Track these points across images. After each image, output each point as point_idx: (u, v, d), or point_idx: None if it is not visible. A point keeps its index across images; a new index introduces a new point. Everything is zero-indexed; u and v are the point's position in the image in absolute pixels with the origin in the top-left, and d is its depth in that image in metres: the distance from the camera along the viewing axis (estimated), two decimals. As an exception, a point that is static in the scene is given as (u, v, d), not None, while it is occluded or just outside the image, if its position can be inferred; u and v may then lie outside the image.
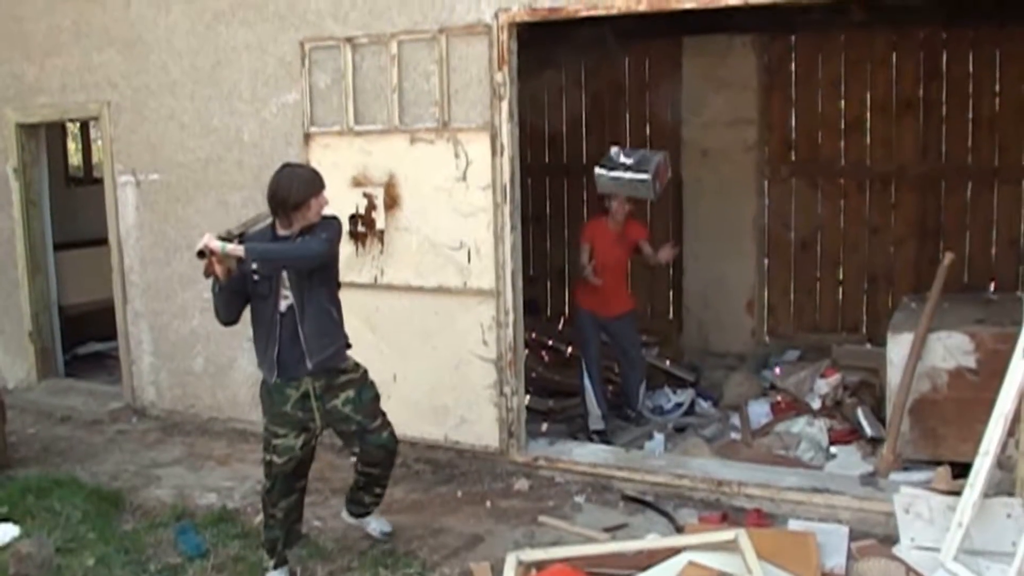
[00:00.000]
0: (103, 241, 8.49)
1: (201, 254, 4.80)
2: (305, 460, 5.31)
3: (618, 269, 7.86)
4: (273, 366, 5.11)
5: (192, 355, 8.06)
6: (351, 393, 5.25)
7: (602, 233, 7.73)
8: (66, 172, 11.41)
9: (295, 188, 4.98)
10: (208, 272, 4.90)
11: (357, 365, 5.35)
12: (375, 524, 5.79)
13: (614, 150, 7.35)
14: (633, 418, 7.81)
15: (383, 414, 5.40)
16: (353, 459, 5.75)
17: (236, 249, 4.82)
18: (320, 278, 5.11)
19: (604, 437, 7.55)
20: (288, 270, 5.03)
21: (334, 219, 5.22)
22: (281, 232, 5.07)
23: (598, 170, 7.28)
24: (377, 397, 5.39)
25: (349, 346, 5.34)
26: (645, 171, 7.13)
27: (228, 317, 5.16)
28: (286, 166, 5.19)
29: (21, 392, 8.96)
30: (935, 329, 6.24)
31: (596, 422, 7.65)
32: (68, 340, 9.54)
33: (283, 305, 5.09)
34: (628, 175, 7.16)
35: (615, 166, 7.23)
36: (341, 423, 5.29)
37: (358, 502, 5.72)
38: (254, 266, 4.88)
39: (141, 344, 8.33)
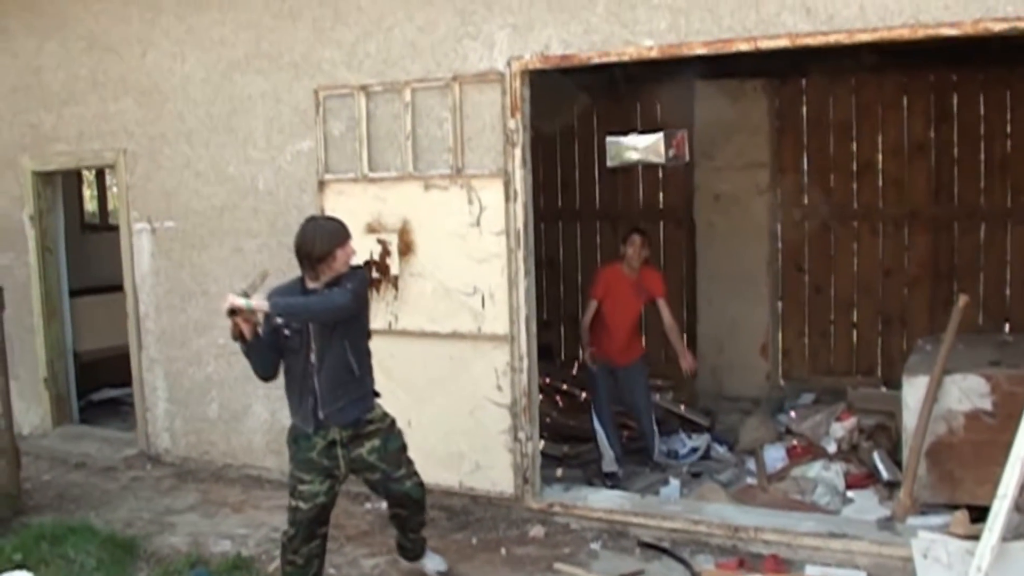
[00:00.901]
0: (118, 288, 8.52)
1: (232, 312, 4.84)
2: (328, 506, 5.31)
3: (632, 319, 7.84)
4: (309, 417, 5.15)
5: (206, 401, 8.06)
6: (377, 442, 5.27)
7: (617, 280, 7.71)
8: (81, 219, 11.47)
9: (319, 240, 5.04)
10: (236, 334, 4.92)
11: (385, 415, 5.36)
12: (430, 564, 5.83)
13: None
14: (649, 466, 7.77)
15: (409, 463, 5.41)
16: (368, 505, 5.74)
17: (261, 304, 4.87)
18: (342, 330, 5.12)
19: (616, 480, 7.53)
20: (313, 323, 5.06)
21: (359, 269, 5.30)
22: (310, 285, 5.12)
23: (610, 139, 7.16)
24: (404, 447, 5.40)
25: (377, 395, 5.36)
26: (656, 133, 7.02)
27: (266, 373, 5.22)
28: (311, 219, 5.26)
29: (36, 438, 8.97)
30: (950, 371, 6.21)
31: (609, 464, 7.63)
32: (83, 386, 9.54)
33: (314, 358, 5.12)
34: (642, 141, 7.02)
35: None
36: (366, 471, 5.31)
37: (401, 545, 5.78)
38: (279, 320, 4.92)
39: (156, 391, 8.34)
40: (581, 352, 8.00)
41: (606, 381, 7.84)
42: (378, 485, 5.39)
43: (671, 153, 6.98)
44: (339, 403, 5.16)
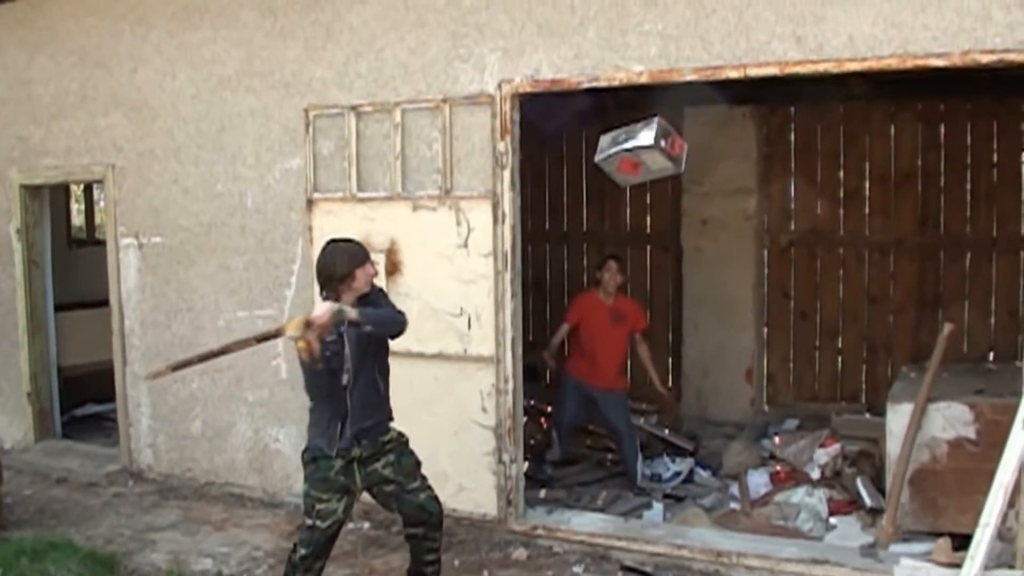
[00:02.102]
0: (104, 303, 8.50)
1: (307, 326, 4.80)
2: (343, 523, 5.34)
3: (610, 345, 7.92)
4: (336, 438, 5.16)
5: (190, 418, 8.04)
6: (391, 457, 5.30)
7: (593, 307, 7.89)
8: (68, 233, 11.45)
9: (340, 261, 5.11)
10: (308, 352, 4.86)
11: (400, 434, 5.40)
12: None
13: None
14: (633, 491, 7.77)
15: (423, 478, 5.41)
16: (351, 525, 5.68)
17: (351, 311, 4.91)
18: (374, 349, 5.21)
19: (545, 476, 7.84)
20: (370, 338, 5.13)
21: (380, 289, 5.40)
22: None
23: (597, 157, 6.45)
24: (418, 463, 5.42)
25: (391, 419, 5.40)
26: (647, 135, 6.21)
27: (330, 391, 5.17)
28: (331, 242, 5.30)
29: (18, 453, 8.92)
30: (935, 399, 6.24)
31: (552, 454, 7.94)
32: (66, 401, 9.50)
33: (345, 379, 5.16)
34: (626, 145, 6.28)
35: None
36: (380, 484, 5.31)
37: (412, 572, 5.66)
38: (368, 328, 5.00)
39: (139, 407, 8.31)
40: (547, 373, 8.08)
41: (576, 399, 7.99)
42: (391, 499, 5.36)
43: (662, 143, 6.19)
44: (367, 422, 5.20)
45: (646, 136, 6.13)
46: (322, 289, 5.18)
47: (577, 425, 8.28)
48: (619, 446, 7.98)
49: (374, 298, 5.21)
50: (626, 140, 6.19)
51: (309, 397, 5.26)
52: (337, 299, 5.07)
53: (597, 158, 6.38)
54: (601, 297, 7.89)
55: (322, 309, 4.85)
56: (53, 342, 9.16)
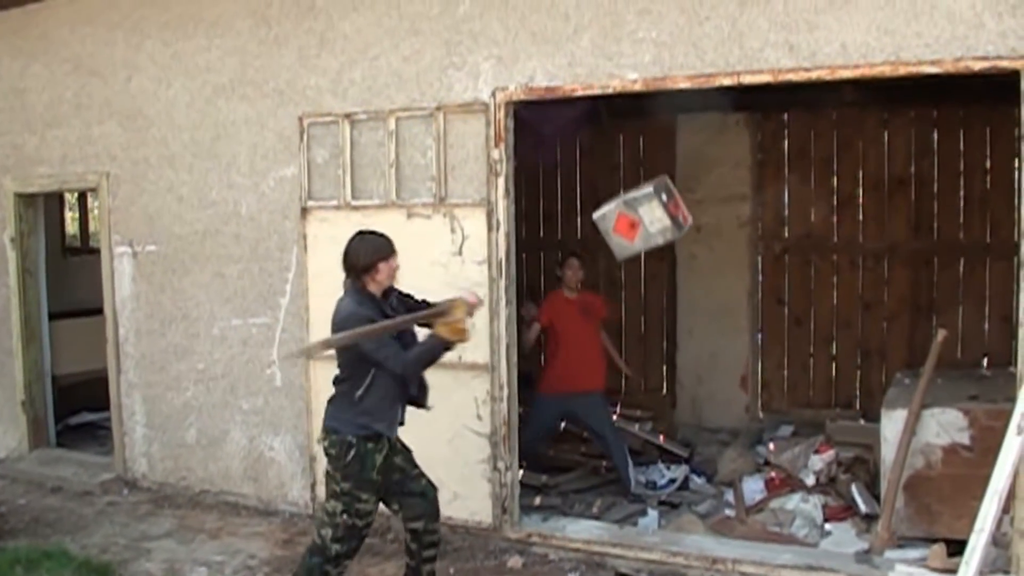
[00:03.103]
0: (98, 311, 8.49)
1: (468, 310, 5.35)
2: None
3: (584, 342, 7.94)
4: (395, 423, 5.37)
5: (185, 427, 8.03)
6: (400, 445, 5.49)
7: (561, 305, 7.96)
8: (63, 242, 11.44)
9: (364, 252, 5.29)
10: (464, 336, 5.34)
11: None
12: None
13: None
14: (628, 498, 7.76)
15: (419, 466, 5.57)
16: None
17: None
18: None
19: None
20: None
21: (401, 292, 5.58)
22: (372, 288, 5.34)
23: (595, 214, 6.44)
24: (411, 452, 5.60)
25: None
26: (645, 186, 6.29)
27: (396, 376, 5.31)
28: (359, 233, 5.44)
29: (12, 462, 8.91)
30: (929, 405, 6.25)
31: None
32: (60, 410, 9.51)
33: None
34: (623, 198, 6.31)
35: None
36: (392, 474, 5.40)
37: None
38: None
39: (134, 415, 8.30)
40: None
41: (549, 418, 8.09)
42: (395, 487, 5.43)
43: (663, 196, 6.22)
44: (403, 409, 5.43)
45: (646, 187, 6.24)
46: (347, 276, 5.33)
47: (542, 440, 8.29)
48: (607, 451, 7.97)
49: (396, 297, 5.44)
50: (625, 195, 6.31)
51: (364, 383, 5.22)
52: (363, 288, 5.25)
53: (595, 215, 6.43)
54: (566, 294, 7.97)
55: (471, 295, 5.34)
56: (47, 351, 9.15)
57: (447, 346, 5.24)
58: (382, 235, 5.43)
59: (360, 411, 5.23)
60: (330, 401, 5.36)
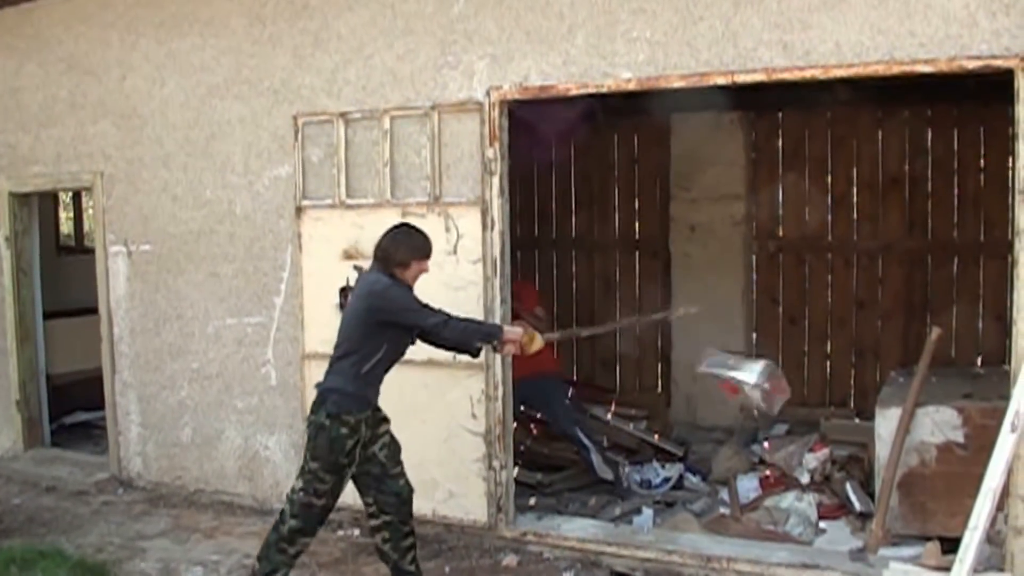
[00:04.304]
0: (92, 310, 8.49)
1: None
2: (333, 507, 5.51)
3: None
4: (374, 400, 5.47)
5: (180, 426, 8.03)
6: (387, 439, 5.51)
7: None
8: (57, 241, 11.42)
9: (404, 248, 5.42)
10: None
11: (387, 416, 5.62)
12: None
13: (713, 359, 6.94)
14: (619, 493, 7.74)
15: (402, 464, 5.57)
16: (341, 533, 5.70)
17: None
18: None
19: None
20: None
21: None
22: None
23: (701, 368, 6.90)
24: (400, 448, 5.61)
25: None
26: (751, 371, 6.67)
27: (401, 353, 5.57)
28: (405, 226, 5.58)
29: (7, 461, 8.89)
30: (923, 404, 6.26)
31: None
32: (55, 409, 9.49)
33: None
34: (731, 373, 6.73)
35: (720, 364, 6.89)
36: (367, 463, 5.44)
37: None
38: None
39: (129, 415, 8.30)
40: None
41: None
42: (373, 482, 5.46)
43: (766, 385, 6.61)
44: None
45: (751, 374, 6.58)
46: (376, 260, 5.43)
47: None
48: (564, 436, 7.96)
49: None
50: (733, 368, 6.62)
51: (374, 357, 5.35)
52: (393, 276, 5.37)
53: (700, 368, 6.80)
54: None
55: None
56: (42, 350, 9.14)
57: (495, 339, 5.55)
58: (425, 236, 5.53)
59: (364, 383, 5.36)
60: (328, 376, 5.40)
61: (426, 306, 5.33)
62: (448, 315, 5.35)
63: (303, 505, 5.34)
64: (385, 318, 5.28)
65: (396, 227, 5.52)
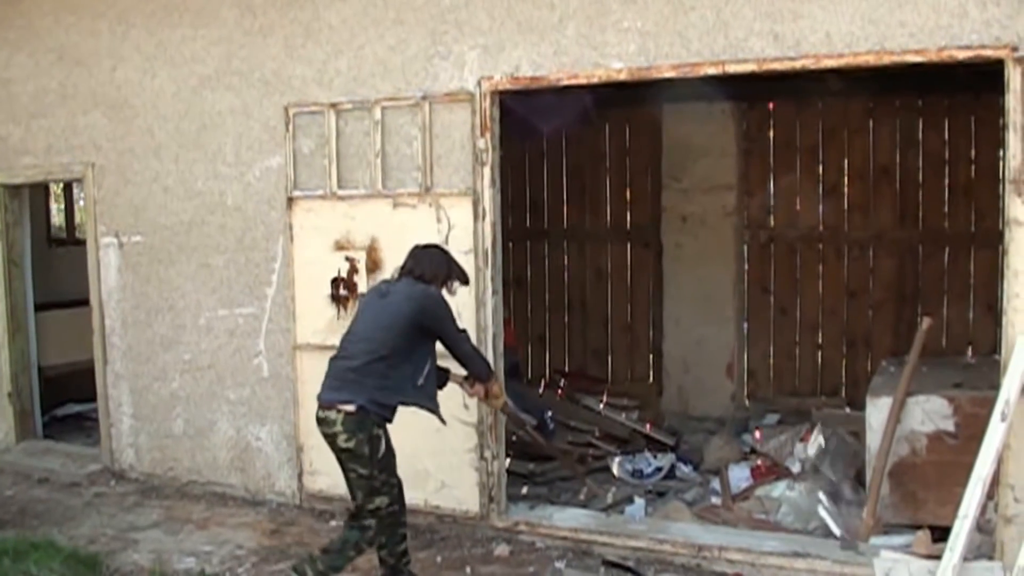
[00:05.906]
0: (84, 302, 8.48)
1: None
2: None
3: None
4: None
5: (172, 417, 8.02)
6: None
7: None
8: (48, 232, 11.40)
9: (437, 270, 5.55)
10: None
11: None
12: None
13: None
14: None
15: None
16: (333, 523, 5.69)
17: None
18: None
19: None
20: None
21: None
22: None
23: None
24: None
25: None
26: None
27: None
28: (443, 251, 5.76)
29: (-1, 453, 8.91)
30: (914, 393, 6.27)
31: None
32: (47, 401, 9.48)
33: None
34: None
35: None
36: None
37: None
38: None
39: (121, 406, 8.29)
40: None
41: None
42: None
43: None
44: None
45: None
46: (411, 273, 5.51)
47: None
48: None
49: None
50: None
51: (425, 368, 5.43)
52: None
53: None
54: None
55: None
56: (33, 342, 9.12)
57: (491, 375, 5.84)
58: (457, 264, 5.71)
59: (420, 393, 5.43)
60: (358, 380, 5.28)
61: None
62: (465, 332, 5.60)
63: (391, 514, 5.41)
64: (430, 324, 5.35)
65: (437, 249, 5.73)
